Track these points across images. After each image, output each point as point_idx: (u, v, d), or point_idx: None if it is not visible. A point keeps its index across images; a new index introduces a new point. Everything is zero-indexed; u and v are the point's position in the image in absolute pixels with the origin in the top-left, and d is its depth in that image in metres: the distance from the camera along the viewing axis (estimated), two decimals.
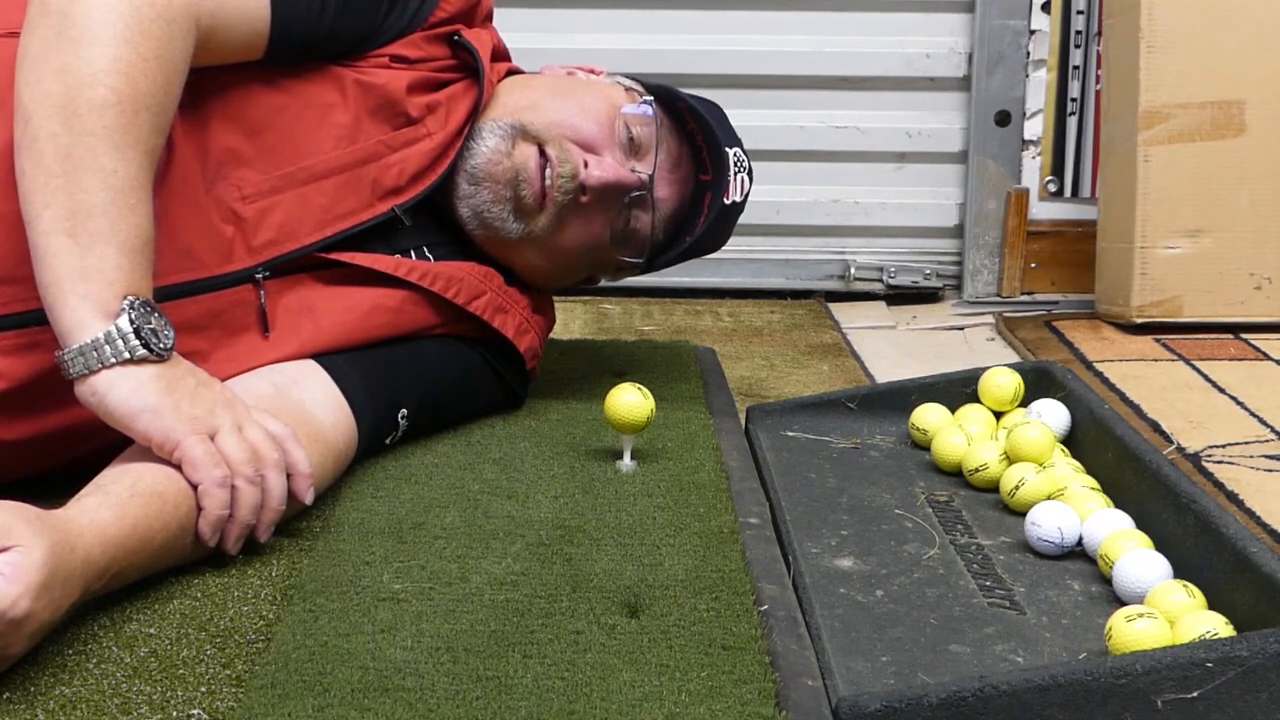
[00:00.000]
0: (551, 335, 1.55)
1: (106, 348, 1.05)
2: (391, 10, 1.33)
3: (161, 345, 1.07)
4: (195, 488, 1.05)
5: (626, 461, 1.32)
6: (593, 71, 1.51)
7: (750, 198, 1.48)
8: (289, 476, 1.11)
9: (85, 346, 1.05)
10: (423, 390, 1.37)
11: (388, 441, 1.34)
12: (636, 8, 2.58)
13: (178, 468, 1.06)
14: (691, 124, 1.44)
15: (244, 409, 1.11)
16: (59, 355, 1.07)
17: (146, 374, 1.07)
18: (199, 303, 1.22)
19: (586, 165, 1.37)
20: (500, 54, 1.46)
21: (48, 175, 1.07)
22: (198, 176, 1.22)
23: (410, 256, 1.36)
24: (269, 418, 1.12)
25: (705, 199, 1.45)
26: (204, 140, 1.22)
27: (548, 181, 1.37)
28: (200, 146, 1.22)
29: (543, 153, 1.37)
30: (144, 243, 1.09)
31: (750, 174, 1.46)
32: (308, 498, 1.12)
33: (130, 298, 1.07)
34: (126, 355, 1.06)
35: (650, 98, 1.44)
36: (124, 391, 1.06)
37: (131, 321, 1.06)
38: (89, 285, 1.06)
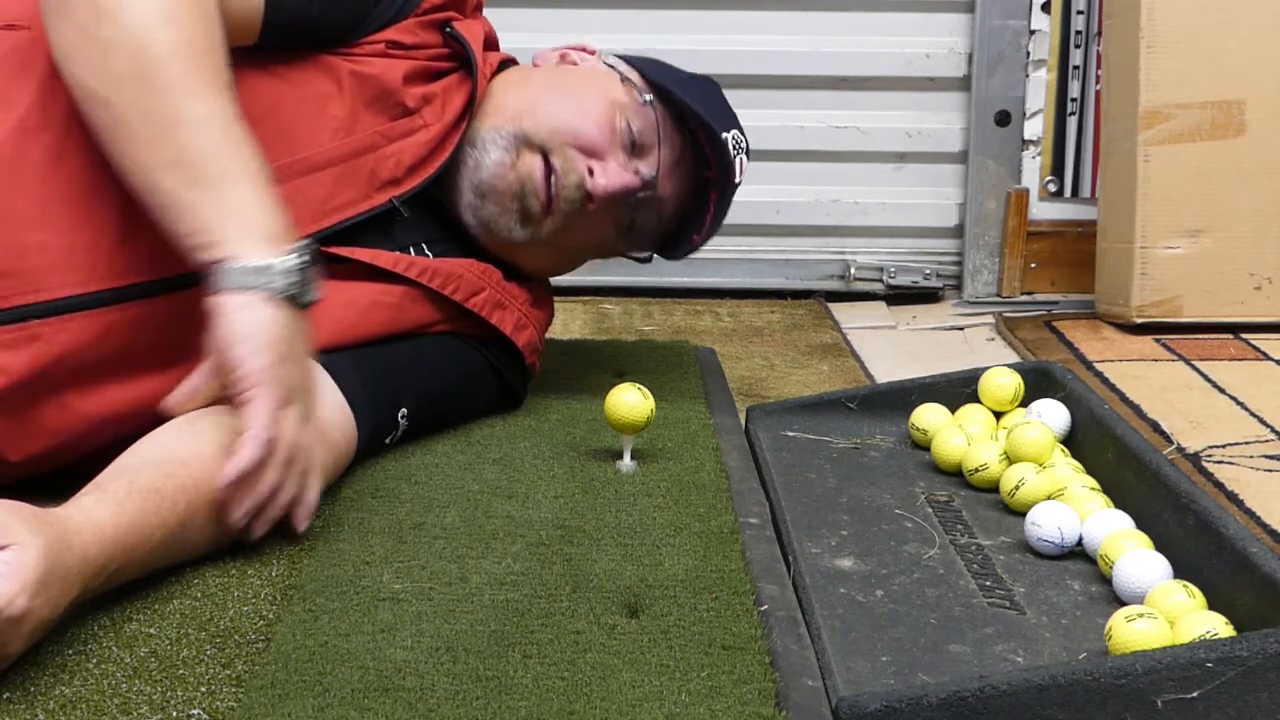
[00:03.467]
0: (552, 335, 1.55)
1: (253, 279, 1.08)
2: None
3: (305, 298, 1.11)
4: (242, 435, 1.07)
5: (626, 461, 1.32)
6: (584, 50, 1.50)
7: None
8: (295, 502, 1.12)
9: (244, 268, 1.07)
10: (423, 390, 1.37)
11: (387, 441, 1.34)
12: (635, 8, 2.58)
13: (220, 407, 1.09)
14: (692, 122, 1.44)
15: (314, 407, 1.13)
16: (222, 265, 1.07)
17: (279, 313, 1.09)
18: (196, 294, 1.21)
19: (591, 173, 1.37)
20: (491, 43, 1.45)
21: (147, 144, 1.09)
22: None
23: (409, 253, 1.36)
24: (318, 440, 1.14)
25: (710, 196, 1.45)
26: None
27: (553, 191, 1.37)
28: None
29: (547, 161, 1.37)
30: (262, 170, 1.12)
31: (748, 152, 1.47)
32: (300, 526, 1.12)
33: (302, 243, 1.11)
34: (276, 290, 1.08)
35: (650, 96, 1.43)
36: (248, 316, 1.08)
37: (299, 264, 1.10)
38: (237, 224, 1.08)
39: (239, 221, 1.09)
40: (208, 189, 1.09)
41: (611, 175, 1.38)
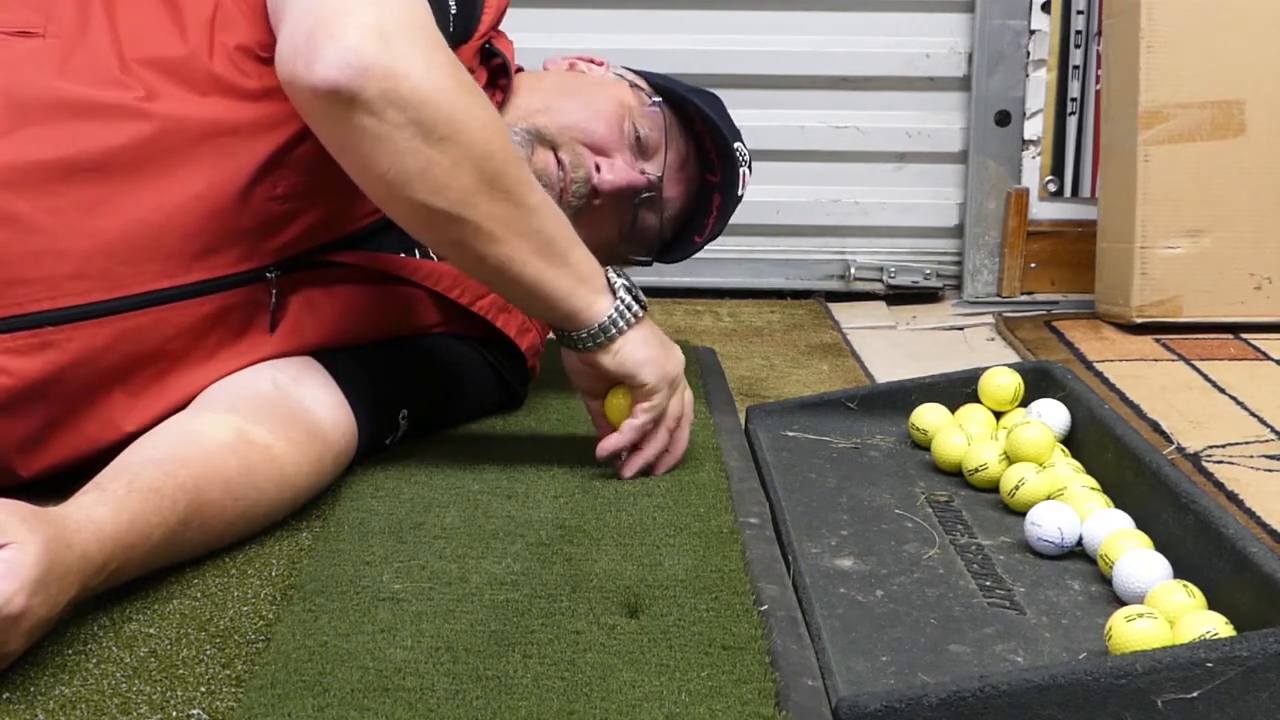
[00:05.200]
0: (553, 336, 1.55)
1: (620, 319, 1.23)
2: (460, 23, 1.32)
3: (644, 301, 1.26)
4: (635, 417, 1.26)
5: None
6: (593, 62, 1.51)
7: (750, 198, 1.50)
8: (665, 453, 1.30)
9: (604, 323, 1.23)
10: (424, 391, 1.37)
11: (388, 442, 1.34)
12: (637, 8, 2.58)
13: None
14: (700, 125, 1.45)
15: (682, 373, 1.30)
16: (583, 332, 1.23)
17: (644, 331, 1.25)
18: (210, 302, 1.22)
19: (599, 169, 1.38)
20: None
21: (508, 243, 1.16)
22: (238, 180, 1.21)
23: (415, 256, 1.36)
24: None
25: (714, 200, 1.47)
26: (256, 143, 1.21)
27: (562, 185, 1.37)
28: (252, 150, 1.21)
29: (557, 157, 1.38)
30: (567, 221, 1.23)
31: (750, 166, 1.49)
32: (660, 471, 1.30)
33: (612, 272, 1.24)
34: (633, 319, 1.24)
35: (658, 99, 1.44)
36: (634, 347, 1.24)
37: (628, 290, 1.24)
38: (588, 285, 1.22)
39: (589, 284, 1.22)
40: (562, 264, 1.20)
41: (618, 171, 1.39)
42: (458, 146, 1.11)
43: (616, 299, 1.23)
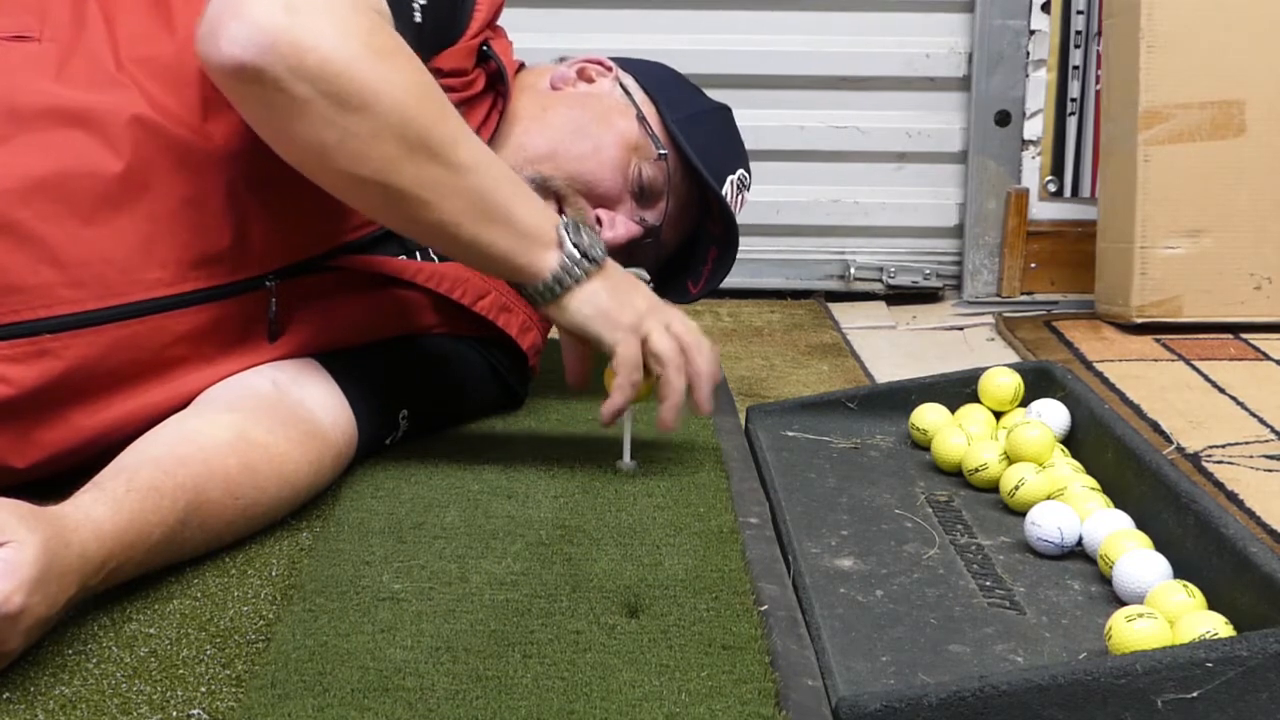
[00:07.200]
0: (553, 335, 1.55)
1: (566, 276, 1.19)
2: (440, 20, 1.31)
3: (598, 254, 1.21)
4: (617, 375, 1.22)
5: (626, 461, 1.32)
6: (600, 64, 1.49)
7: (750, 198, 1.50)
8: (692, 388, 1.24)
9: (548, 281, 1.19)
10: (424, 391, 1.37)
11: (388, 442, 1.34)
12: (637, 8, 2.58)
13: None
14: (708, 188, 1.44)
15: (665, 306, 1.25)
16: (530, 288, 1.20)
17: (594, 285, 1.21)
18: (208, 310, 1.21)
19: (600, 222, 1.38)
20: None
21: (438, 206, 1.14)
22: (232, 187, 1.21)
23: (415, 258, 1.36)
24: (681, 315, 1.26)
25: (710, 251, 1.47)
26: (250, 149, 1.21)
27: None
28: (246, 156, 1.21)
29: (560, 210, 1.38)
30: (514, 175, 1.20)
31: (749, 188, 1.50)
32: (705, 409, 1.25)
33: (560, 223, 1.19)
34: (582, 275, 1.20)
35: (664, 152, 1.42)
36: (581, 303, 1.21)
37: (575, 245, 1.19)
38: (529, 241, 1.18)
39: (532, 239, 1.18)
40: (502, 222, 1.17)
41: (619, 228, 1.40)
42: (375, 115, 1.10)
43: (563, 255, 1.19)
